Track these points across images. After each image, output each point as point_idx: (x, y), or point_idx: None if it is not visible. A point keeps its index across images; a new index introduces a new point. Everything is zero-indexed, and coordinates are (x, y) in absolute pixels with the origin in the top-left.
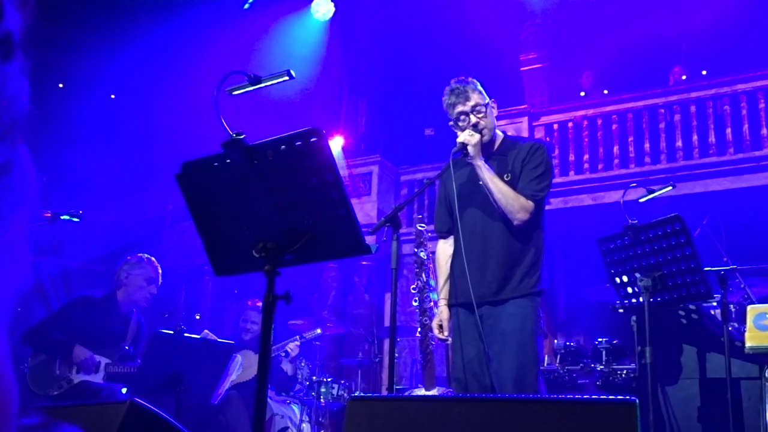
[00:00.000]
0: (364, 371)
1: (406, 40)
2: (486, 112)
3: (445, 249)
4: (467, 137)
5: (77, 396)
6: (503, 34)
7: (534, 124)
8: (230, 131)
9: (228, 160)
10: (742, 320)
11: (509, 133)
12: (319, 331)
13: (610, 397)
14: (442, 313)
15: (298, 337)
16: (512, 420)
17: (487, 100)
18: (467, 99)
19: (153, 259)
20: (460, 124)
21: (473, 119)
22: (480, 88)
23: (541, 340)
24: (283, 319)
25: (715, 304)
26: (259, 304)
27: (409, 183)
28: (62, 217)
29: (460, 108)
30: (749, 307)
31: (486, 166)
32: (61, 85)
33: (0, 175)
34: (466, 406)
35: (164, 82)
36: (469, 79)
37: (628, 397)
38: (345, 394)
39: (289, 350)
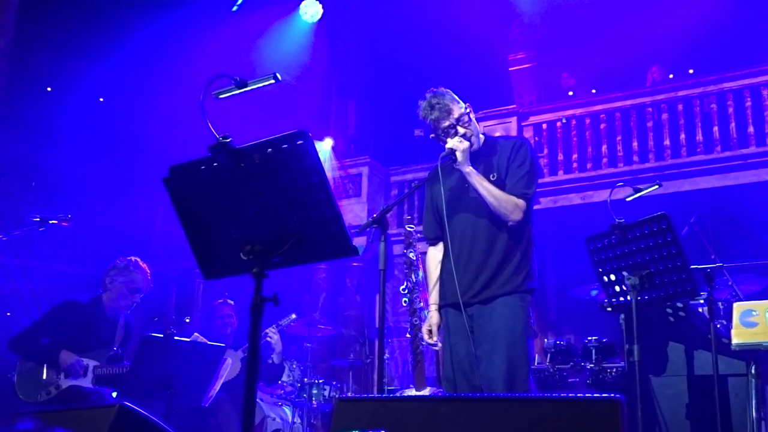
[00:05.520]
0: (356, 372)
1: (394, 40)
2: (469, 120)
3: (434, 255)
4: (456, 143)
5: (66, 401)
6: (491, 34)
7: (523, 123)
8: (217, 135)
9: (215, 164)
10: (730, 317)
11: (498, 133)
12: (294, 316)
13: (596, 395)
14: (432, 318)
15: (274, 326)
16: (498, 419)
17: (464, 106)
18: (450, 113)
19: (143, 264)
20: (447, 138)
21: (461, 131)
22: (455, 96)
23: (531, 340)
24: (273, 320)
25: (702, 301)
26: (230, 301)
27: (399, 183)
28: (51, 222)
29: (445, 123)
30: (735, 305)
31: (475, 172)
32: (49, 89)
33: None
34: (451, 405)
35: (153, 85)
36: (443, 89)
37: (614, 395)
38: (336, 396)
39: (269, 339)
